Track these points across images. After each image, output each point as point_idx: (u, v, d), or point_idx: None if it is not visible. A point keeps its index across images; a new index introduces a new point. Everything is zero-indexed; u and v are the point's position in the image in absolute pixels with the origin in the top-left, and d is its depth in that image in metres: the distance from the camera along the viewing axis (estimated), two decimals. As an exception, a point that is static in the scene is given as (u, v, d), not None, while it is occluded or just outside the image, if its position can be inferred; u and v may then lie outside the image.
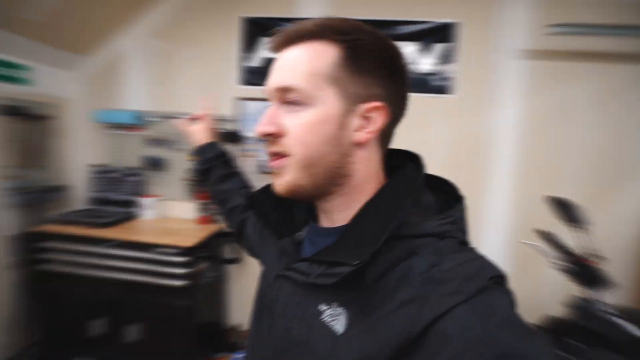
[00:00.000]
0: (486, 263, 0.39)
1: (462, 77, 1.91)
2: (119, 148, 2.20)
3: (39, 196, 1.88)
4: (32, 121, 1.87)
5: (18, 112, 1.78)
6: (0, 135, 1.73)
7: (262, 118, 0.44)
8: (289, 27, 0.43)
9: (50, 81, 1.99)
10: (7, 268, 1.78)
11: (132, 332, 1.75)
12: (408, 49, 1.91)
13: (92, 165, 2.17)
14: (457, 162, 1.93)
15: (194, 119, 0.96)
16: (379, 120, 0.43)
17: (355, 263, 0.37)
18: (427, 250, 0.39)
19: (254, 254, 0.74)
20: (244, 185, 0.88)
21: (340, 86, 0.41)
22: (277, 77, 0.44)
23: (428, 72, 1.93)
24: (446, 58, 1.91)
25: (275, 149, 0.44)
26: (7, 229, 1.78)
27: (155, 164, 2.15)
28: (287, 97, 0.43)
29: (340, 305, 0.41)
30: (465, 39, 1.88)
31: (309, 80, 0.41)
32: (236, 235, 0.83)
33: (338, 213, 0.47)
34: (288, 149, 0.43)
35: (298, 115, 0.42)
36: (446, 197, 0.47)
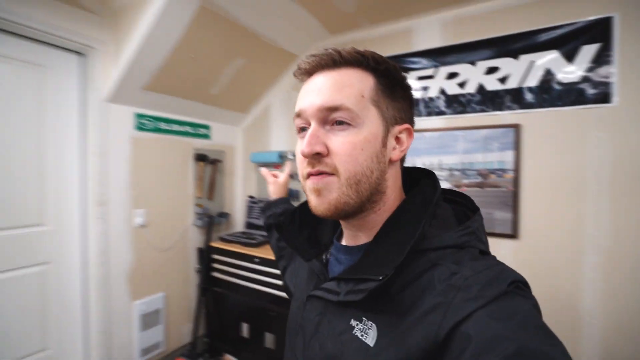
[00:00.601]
0: (505, 269, 0.40)
1: (622, 81, 1.50)
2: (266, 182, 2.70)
3: (213, 220, 2.50)
4: (211, 164, 2.54)
5: (203, 158, 2.47)
6: (194, 175, 2.43)
7: (307, 139, 0.45)
8: (323, 53, 0.46)
9: (222, 134, 2.68)
10: (195, 272, 2.43)
11: (270, 339, 2.05)
12: (546, 59, 1.65)
13: (249, 197, 2.73)
14: (622, 189, 1.48)
15: (275, 175, 1.00)
16: (407, 140, 0.48)
17: (380, 278, 0.39)
18: (448, 260, 0.41)
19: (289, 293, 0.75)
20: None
21: (381, 108, 0.45)
22: (322, 97, 0.44)
23: (575, 80, 1.60)
24: (599, 60, 1.54)
25: (320, 168, 0.45)
26: (196, 243, 2.44)
27: (292, 195, 2.53)
28: (334, 117, 0.44)
29: (369, 319, 0.42)
30: (622, 35, 1.49)
31: (358, 101, 0.44)
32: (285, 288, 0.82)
33: (366, 230, 0.49)
34: (334, 168, 0.44)
35: (346, 134, 0.44)
36: (463, 208, 0.49)
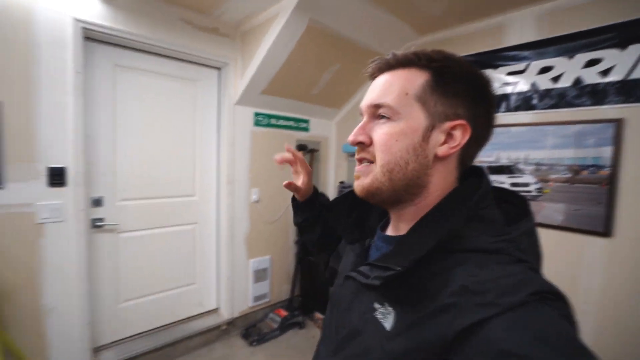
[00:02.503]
0: (531, 278, 0.37)
1: None
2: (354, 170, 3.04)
3: (309, 201, 2.94)
4: (309, 153, 2.98)
5: (303, 148, 2.92)
6: (294, 163, 2.91)
7: (355, 130, 0.51)
8: (381, 58, 0.51)
9: (319, 127, 3.09)
10: (293, 243, 2.94)
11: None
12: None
13: (340, 182, 3.10)
14: None
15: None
16: (460, 137, 0.47)
17: (397, 269, 0.41)
18: (472, 263, 0.40)
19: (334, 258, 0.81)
20: None
21: (427, 105, 0.47)
22: (371, 96, 0.50)
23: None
24: None
25: (363, 155, 0.51)
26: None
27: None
28: (379, 112, 0.49)
29: (390, 305, 0.45)
30: None
31: (398, 98, 0.47)
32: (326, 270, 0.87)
33: (406, 222, 0.51)
34: (373, 156, 0.49)
35: (385, 127, 0.48)
36: (518, 210, 0.48)
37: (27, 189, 1.64)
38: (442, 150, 0.47)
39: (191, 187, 2.38)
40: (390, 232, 0.55)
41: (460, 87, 0.47)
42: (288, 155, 0.84)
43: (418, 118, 0.47)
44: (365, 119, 0.52)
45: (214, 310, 2.55)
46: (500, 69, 2.06)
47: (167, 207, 2.26)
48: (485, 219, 0.45)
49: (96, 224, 1.94)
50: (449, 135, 0.47)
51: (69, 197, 1.75)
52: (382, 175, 0.48)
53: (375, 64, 0.52)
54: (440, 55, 0.48)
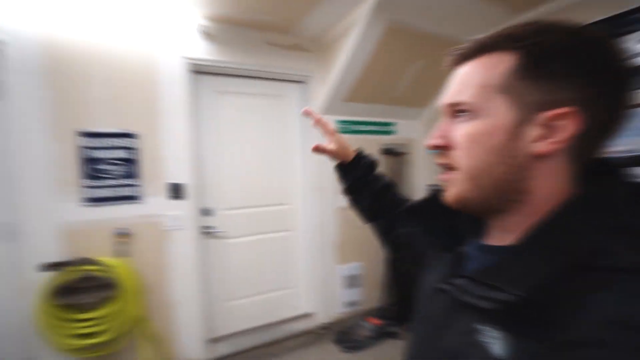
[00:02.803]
0: None
1: None
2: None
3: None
4: (396, 156, 2.89)
5: (390, 152, 2.84)
6: (382, 168, 2.85)
7: (434, 131, 0.46)
8: (465, 45, 0.44)
9: (404, 129, 2.97)
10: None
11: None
12: None
13: (429, 185, 2.92)
14: None
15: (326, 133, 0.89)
16: (567, 128, 0.37)
17: (516, 294, 0.34)
18: (620, 287, 0.31)
19: (415, 264, 0.70)
20: (399, 197, 0.84)
21: (514, 95, 0.39)
22: (448, 94, 0.45)
23: None
24: None
25: (445, 161, 0.46)
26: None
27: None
28: (456, 111, 0.44)
29: (498, 328, 0.37)
30: None
31: (477, 93, 0.41)
32: (391, 247, 0.81)
33: (510, 232, 0.42)
34: (455, 161, 0.44)
35: (463, 127, 0.42)
36: None
37: (157, 202, 1.99)
38: (540, 147, 0.38)
39: (283, 195, 2.55)
40: (491, 240, 0.46)
41: (564, 65, 0.37)
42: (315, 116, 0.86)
43: (503, 113, 0.39)
44: (444, 119, 0.46)
45: (309, 315, 2.65)
46: (630, 36, 1.65)
47: (264, 215, 2.47)
48: (631, 229, 0.34)
49: (207, 231, 2.23)
50: (550, 128, 0.38)
51: (187, 208, 2.07)
52: (467, 183, 0.43)
53: (449, 58, 0.46)
54: (531, 29, 0.39)
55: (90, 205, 1.85)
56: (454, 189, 0.44)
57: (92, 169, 1.85)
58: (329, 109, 2.50)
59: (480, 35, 0.42)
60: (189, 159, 2.07)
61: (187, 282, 2.09)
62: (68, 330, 1.75)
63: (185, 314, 2.09)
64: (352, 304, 2.71)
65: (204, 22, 2.06)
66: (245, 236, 2.40)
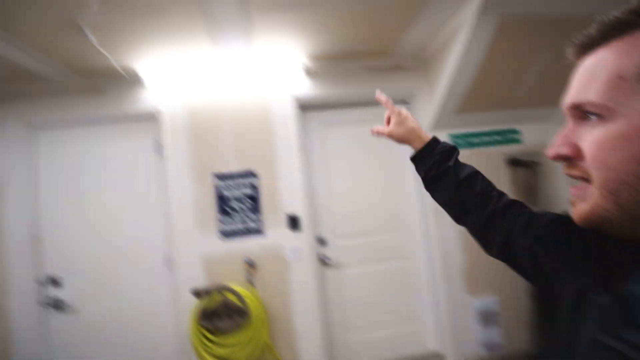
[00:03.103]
0: None
1: None
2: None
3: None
4: (527, 168, 2.45)
5: (518, 163, 2.43)
6: (506, 180, 2.45)
7: (556, 138, 0.39)
8: (591, 28, 0.36)
9: (535, 135, 2.51)
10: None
11: None
12: None
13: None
14: None
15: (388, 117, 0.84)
16: None
17: None
18: None
19: (539, 280, 0.55)
20: (487, 187, 0.69)
21: None
22: (569, 94, 0.38)
23: None
24: None
25: (573, 172, 0.38)
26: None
27: None
28: (584, 113, 0.36)
29: None
30: None
31: (609, 88, 0.33)
32: (497, 253, 0.65)
33: None
34: (586, 173, 0.36)
35: (593, 133, 0.34)
36: None
37: (277, 234, 2.12)
38: None
39: (398, 222, 2.41)
40: None
41: None
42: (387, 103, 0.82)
43: None
44: (569, 123, 0.38)
45: (439, 356, 2.34)
46: None
47: (379, 243, 2.36)
48: None
49: (324, 262, 2.25)
50: None
51: (303, 239, 2.14)
52: (604, 199, 0.34)
53: (583, 37, 0.37)
54: None
55: (224, 238, 2.09)
56: (587, 206, 0.36)
57: (225, 205, 2.10)
58: (439, 124, 2.31)
59: (614, 11, 0.33)
60: (302, 191, 2.17)
61: (308, 311, 2.11)
62: (212, 351, 1.95)
63: (307, 344, 2.10)
64: (491, 345, 2.29)
65: (307, 62, 2.22)
66: (361, 265, 2.32)
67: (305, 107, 2.31)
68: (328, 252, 2.27)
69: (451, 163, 0.72)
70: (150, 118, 2.18)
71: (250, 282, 2.06)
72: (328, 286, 2.27)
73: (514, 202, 0.65)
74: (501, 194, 0.68)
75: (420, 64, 2.36)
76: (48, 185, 2.13)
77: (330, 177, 2.34)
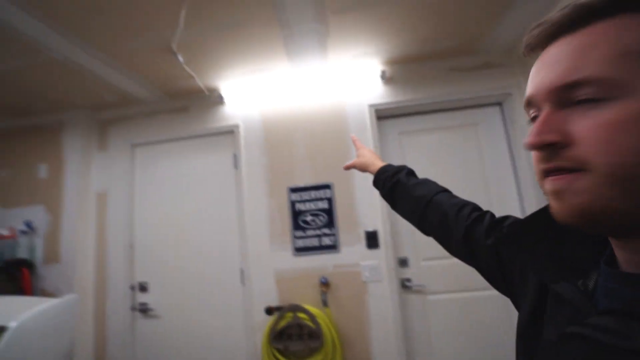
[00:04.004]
0: None
1: None
2: None
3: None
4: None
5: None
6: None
7: (534, 126, 0.34)
8: (555, 15, 0.34)
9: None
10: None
11: None
12: None
13: None
14: None
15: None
16: None
17: None
18: None
19: (504, 288, 0.56)
20: (439, 188, 0.76)
21: None
22: (555, 73, 0.33)
23: None
24: None
25: (559, 163, 0.33)
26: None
27: None
28: (576, 96, 0.32)
29: None
30: None
31: (615, 62, 0.30)
32: (462, 254, 0.67)
33: None
34: (582, 162, 0.32)
35: (598, 113, 0.31)
36: None
37: (354, 251, 1.95)
38: None
39: (490, 242, 2.06)
40: (630, 268, 0.34)
41: None
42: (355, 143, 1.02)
43: None
44: (546, 109, 0.34)
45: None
46: None
47: (468, 268, 2.03)
48: None
49: (405, 284, 2.00)
50: None
51: (382, 257, 1.93)
52: (610, 188, 0.30)
53: (542, 28, 0.35)
54: None
55: (297, 254, 2.00)
56: (584, 197, 0.31)
57: (298, 220, 2.02)
58: (544, 127, 1.94)
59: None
60: (380, 205, 1.98)
61: (387, 341, 1.88)
62: (283, 376, 1.83)
63: (388, 379, 1.85)
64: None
65: (384, 68, 2.08)
66: (447, 292, 2.01)
67: (383, 115, 2.16)
68: (409, 274, 2.02)
69: (400, 176, 0.82)
70: (230, 132, 2.25)
71: (324, 303, 1.92)
72: (410, 313, 2.00)
73: (466, 203, 0.68)
74: (451, 196, 0.73)
75: (515, 59, 2.04)
76: (140, 196, 2.32)
77: (410, 190, 2.12)
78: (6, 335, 1.07)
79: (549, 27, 0.35)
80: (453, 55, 2.05)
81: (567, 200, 0.33)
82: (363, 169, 0.95)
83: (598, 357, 0.31)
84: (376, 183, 0.89)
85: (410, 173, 0.84)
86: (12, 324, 1.08)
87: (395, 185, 0.82)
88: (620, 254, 0.35)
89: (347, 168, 0.99)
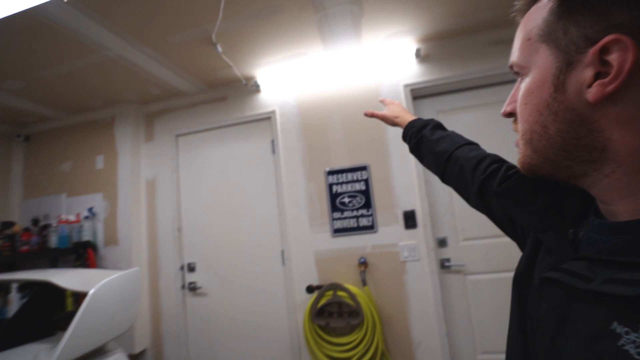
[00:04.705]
0: None
1: None
2: None
3: None
4: None
5: None
6: None
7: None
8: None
9: None
10: None
11: None
12: None
13: None
14: None
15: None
16: (622, 60, 0.30)
17: None
18: None
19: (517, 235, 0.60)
20: (462, 142, 0.76)
21: (553, 41, 0.34)
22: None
23: None
24: None
25: (515, 127, 0.42)
26: None
27: None
28: (516, 74, 0.40)
29: None
30: None
31: (522, 48, 0.38)
32: (481, 205, 0.66)
33: (618, 202, 0.34)
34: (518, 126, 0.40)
35: (519, 89, 0.39)
36: None
37: (391, 232, 1.97)
38: (596, 92, 0.31)
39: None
40: (610, 217, 0.36)
41: None
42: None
43: (545, 63, 0.35)
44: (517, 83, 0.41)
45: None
46: None
47: (511, 246, 1.98)
48: None
49: (444, 264, 1.99)
50: (604, 65, 0.31)
51: (420, 237, 1.93)
52: (526, 147, 0.38)
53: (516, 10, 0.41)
54: None
55: (336, 235, 2.05)
56: (520, 155, 0.40)
57: (336, 202, 2.07)
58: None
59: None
60: (417, 186, 1.97)
61: (427, 320, 1.89)
62: (325, 350, 1.90)
63: (426, 356, 1.86)
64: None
65: (418, 46, 2.04)
66: (488, 273, 1.97)
67: (419, 95, 2.13)
68: (448, 254, 2.01)
69: (425, 131, 0.82)
70: (267, 119, 2.32)
71: (363, 282, 1.96)
72: (449, 292, 1.99)
73: (485, 156, 0.70)
74: (472, 149, 0.73)
75: (562, 28, 1.92)
76: (185, 183, 2.47)
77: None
78: (86, 300, 1.21)
79: (520, 4, 0.40)
80: (492, 28, 1.96)
81: (519, 156, 0.41)
82: (392, 122, 0.93)
83: (569, 300, 0.33)
84: (405, 137, 0.88)
85: (437, 126, 0.83)
86: (91, 291, 1.23)
87: (421, 140, 0.82)
88: (600, 207, 0.37)
89: (370, 115, 0.96)
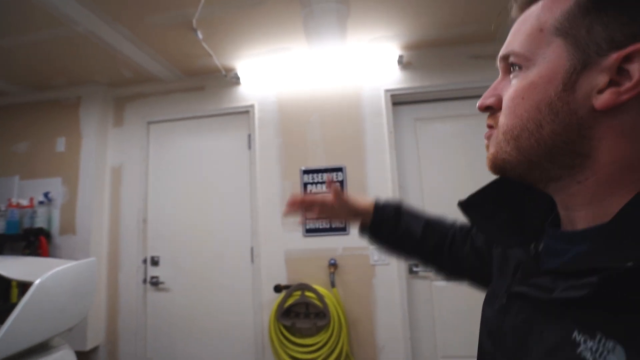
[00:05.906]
0: None
1: None
2: None
3: None
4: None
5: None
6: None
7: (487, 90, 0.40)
8: None
9: None
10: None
11: None
12: None
13: None
14: None
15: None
16: None
17: (629, 265, 0.25)
18: None
19: (480, 281, 0.63)
20: (429, 221, 0.72)
21: (573, 36, 0.32)
22: (503, 46, 0.39)
23: None
24: None
25: (489, 121, 0.40)
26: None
27: None
28: (509, 65, 0.37)
29: (610, 335, 0.26)
30: None
31: (531, 38, 0.35)
32: (451, 271, 0.69)
33: (580, 209, 0.35)
34: (497, 121, 0.38)
35: (513, 83, 0.36)
36: None
37: (363, 235, 1.97)
38: (606, 99, 0.30)
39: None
40: (567, 227, 0.37)
41: None
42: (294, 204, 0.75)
43: (557, 59, 0.32)
44: (500, 76, 0.39)
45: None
46: None
47: (476, 255, 2.04)
48: None
49: (412, 270, 2.02)
50: (619, 74, 0.29)
51: (390, 241, 1.95)
52: (506, 143, 0.36)
53: (515, 2, 0.38)
54: None
55: (308, 236, 2.03)
56: (492, 150, 0.38)
57: (309, 201, 2.04)
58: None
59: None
60: (391, 190, 1.99)
61: (392, 324, 1.90)
62: (288, 350, 1.87)
63: (390, 361, 1.88)
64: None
65: (401, 52, 2.06)
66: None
67: (398, 101, 2.15)
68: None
69: (403, 222, 0.72)
70: (245, 113, 2.26)
71: (332, 284, 1.94)
72: (416, 297, 2.02)
73: (461, 228, 0.70)
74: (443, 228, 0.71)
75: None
76: (154, 173, 2.36)
77: (422, 176, 2.11)
78: (30, 291, 1.11)
79: (518, 3, 0.39)
80: (474, 42, 2.02)
81: (488, 152, 0.40)
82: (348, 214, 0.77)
83: (534, 314, 0.34)
84: (373, 230, 0.74)
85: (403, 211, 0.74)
86: (37, 281, 1.13)
87: (403, 237, 0.72)
88: (561, 214, 0.38)
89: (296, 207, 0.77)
